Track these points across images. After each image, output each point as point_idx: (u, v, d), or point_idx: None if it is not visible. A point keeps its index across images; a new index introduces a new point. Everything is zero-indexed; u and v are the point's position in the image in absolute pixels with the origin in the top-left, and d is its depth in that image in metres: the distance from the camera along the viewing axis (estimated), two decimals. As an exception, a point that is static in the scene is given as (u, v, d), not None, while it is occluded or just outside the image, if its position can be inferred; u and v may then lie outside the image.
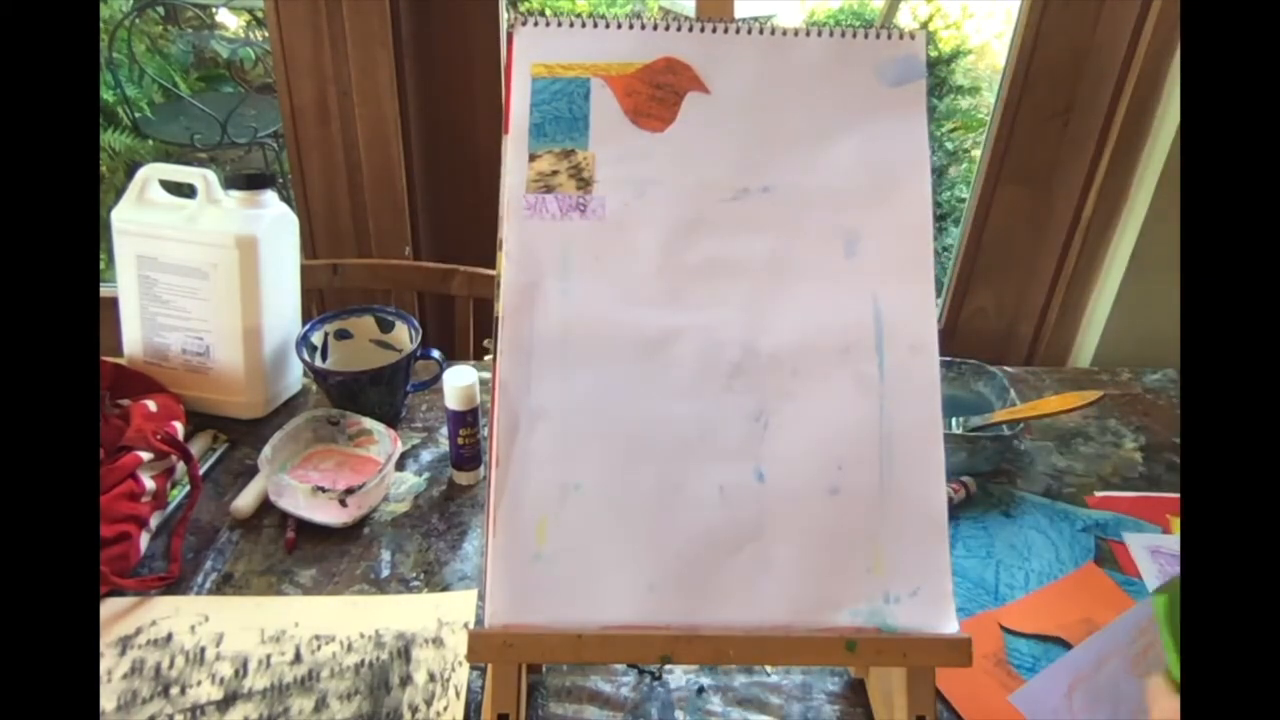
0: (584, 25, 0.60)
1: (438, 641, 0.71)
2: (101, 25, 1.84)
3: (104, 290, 0.97)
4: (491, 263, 0.94)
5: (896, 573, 0.56)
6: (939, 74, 2.33)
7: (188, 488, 0.82)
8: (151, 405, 0.86)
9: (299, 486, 0.81)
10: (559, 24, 0.60)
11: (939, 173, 2.33)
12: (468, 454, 0.87)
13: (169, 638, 0.71)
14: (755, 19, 2.29)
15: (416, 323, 0.96)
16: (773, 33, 0.60)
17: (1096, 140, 1.13)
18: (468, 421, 0.85)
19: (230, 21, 2.19)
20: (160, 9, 2.14)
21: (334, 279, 1.17)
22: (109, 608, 0.73)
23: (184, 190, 0.91)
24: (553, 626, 0.54)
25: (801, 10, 2.88)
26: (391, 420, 0.94)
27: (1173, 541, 0.85)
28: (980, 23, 2.52)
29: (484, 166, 1.21)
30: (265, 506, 0.84)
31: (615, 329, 0.58)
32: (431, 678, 0.68)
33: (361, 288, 1.18)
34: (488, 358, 0.86)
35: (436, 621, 0.73)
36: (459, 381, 0.83)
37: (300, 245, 0.98)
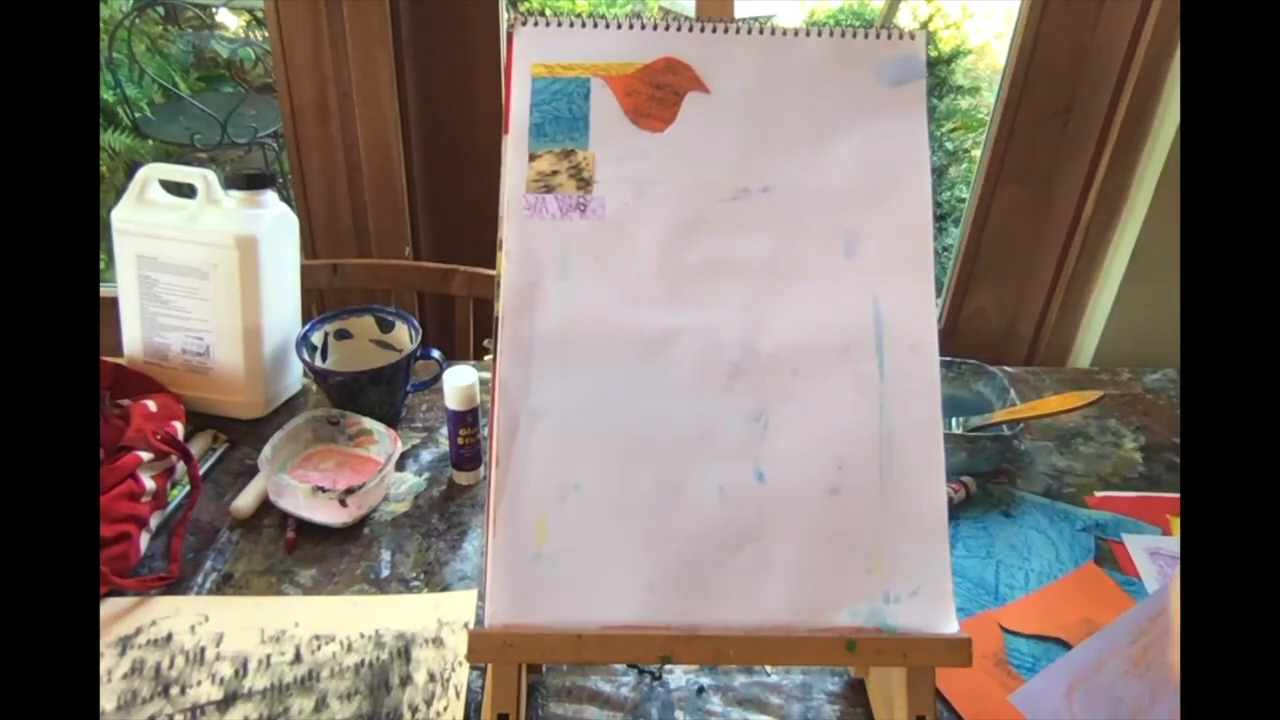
0: (584, 25, 0.60)
1: (438, 641, 0.71)
2: (101, 25, 1.84)
3: (104, 290, 0.97)
4: (491, 263, 0.94)
5: (896, 573, 0.56)
6: (939, 74, 2.33)
7: (188, 488, 0.82)
8: (151, 405, 0.86)
9: (299, 486, 0.81)
10: (559, 24, 0.60)
11: (939, 173, 2.33)
12: (468, 454, 0.87)
13: (169, 638, 0.71)
14: (755, 19, 2.29)
15: (416, 323, 0.96)
16: (773, 33, 0.60)
17: (1096, 140, 1.13)
18: (468, 421, 0.85)
19: (230, 21, 2.19)
20: (160, 9, 2.14)
21: (334, 279, 1.17)
22: (109, 608, 0.73)
23: (184, 190, 0.91)
24: (553, 626, 0.54)
25: (801, 10, 2.88)
26: (391, 420, 0.94)
27: (1172, 543, 0.85)
28: (980, 23, 2.52)
29: (484, 166, 1.21)
30: (265, 506, 0.84)
31: (615, 329, 0.58)
32: (431, 678, 0.68)
33: (361, 288, 1.18)
34: (488, 358, 0.86)
35: (436, 621, 0.73)
36: (459, 381, 0.83)
37: (300, 245, 0.98)
